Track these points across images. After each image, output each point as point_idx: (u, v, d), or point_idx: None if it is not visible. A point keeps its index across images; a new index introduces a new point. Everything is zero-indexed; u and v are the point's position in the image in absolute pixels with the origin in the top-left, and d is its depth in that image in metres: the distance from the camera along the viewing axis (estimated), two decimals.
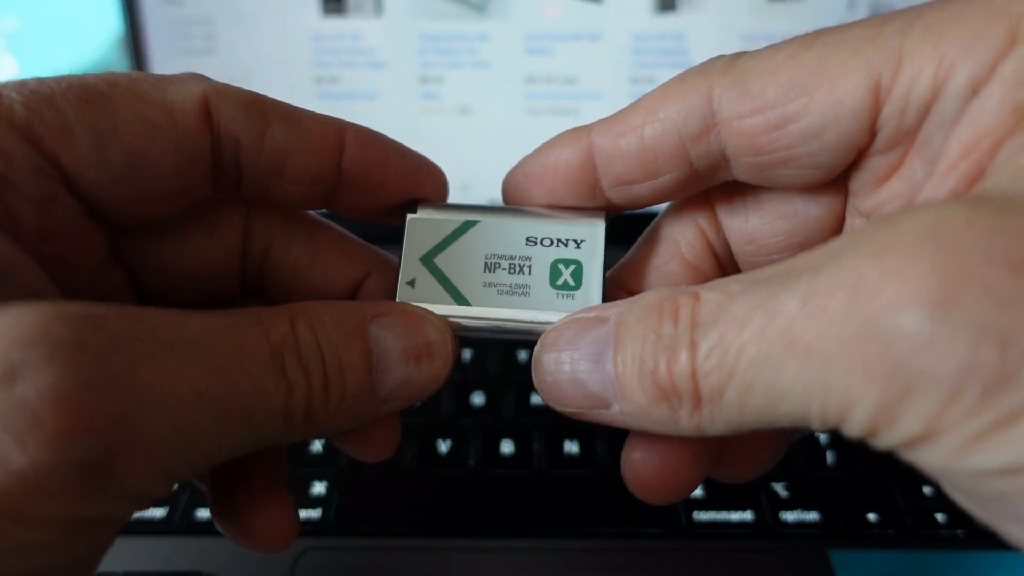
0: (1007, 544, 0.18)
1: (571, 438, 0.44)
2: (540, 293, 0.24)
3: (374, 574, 0.38)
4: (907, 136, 0.21)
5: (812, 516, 0.40)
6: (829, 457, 0.43)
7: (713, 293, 0.19)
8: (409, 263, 0.25)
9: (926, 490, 0.41)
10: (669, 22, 0.55)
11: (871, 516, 0.40)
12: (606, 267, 0.25)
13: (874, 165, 0.22)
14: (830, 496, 0.41)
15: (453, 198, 0.27)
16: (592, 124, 0.24)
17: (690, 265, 0.26)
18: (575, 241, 0.25)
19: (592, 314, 0.22)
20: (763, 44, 0.22)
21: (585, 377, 0.21)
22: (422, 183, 0.26)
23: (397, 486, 0.42)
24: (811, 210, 0.24)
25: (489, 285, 0.24)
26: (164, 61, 0.56)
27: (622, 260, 0.27)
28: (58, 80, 0.21)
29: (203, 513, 0.40)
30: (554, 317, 0.23)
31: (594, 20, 0.55)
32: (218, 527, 0.24)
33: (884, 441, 0.17)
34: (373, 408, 0.22)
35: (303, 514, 0.40)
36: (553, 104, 0.56)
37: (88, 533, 0.18)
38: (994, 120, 0.19)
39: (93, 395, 0.16)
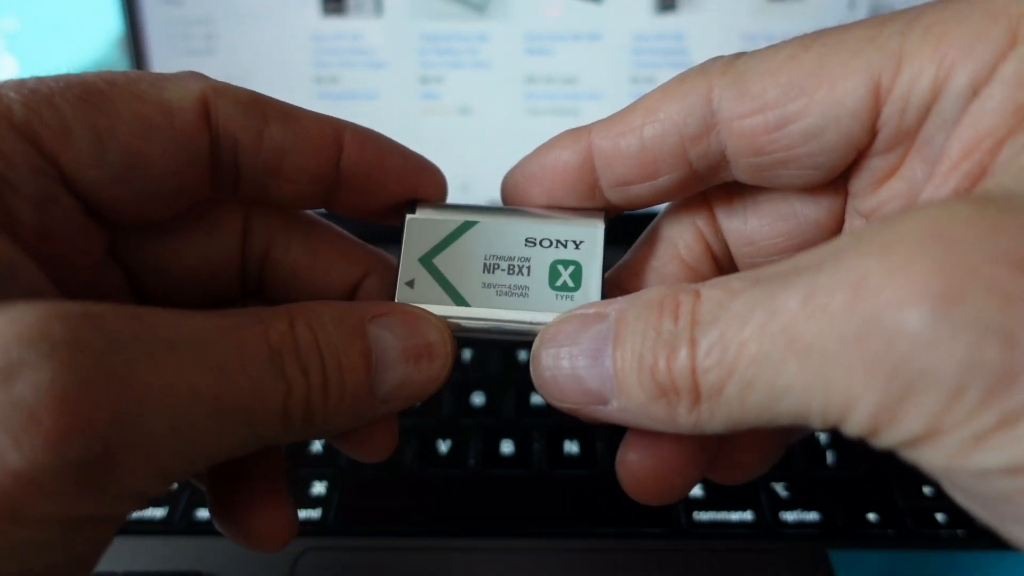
0: (1007, 544, 0.18)
1: (571, 438, 0.44)
2: (539, 294, 0.24)
3: (374, 574, 0.38)
4: (907, 136, 0.21)
5: (812, 516, 0.40)
6: (829, 457, 0.43)
7: (714, 290, 0.19)
8: (408, 263, 0.25)
9: (926, 490, 0.41)
10: (669, 22, 0.55)
11: (871, 516, 0.40)
12: (605, 268, 0.25)
13: (874, 165, 0.22)
14: (830, 496, 0.41)
15: (453, 198, 0.27)
16: (591, 124, 0.24)
17: (688, 267, 0.26)
18: (574, 242, 0.25)
19: (592, 310, 0.22)
20: (763, 44, 0.22)
21: (584, 373, 0.21)
22: (421, 183, 0.26)
23: (397, 486, 0.42)
24: (810, 211, 0.24)
25: (488, 286, 0.24)
26: (164, 61, 0.56)
27: (620, 261, 0.27)
28: (57, 79, 0.21)
29: (203, 513, 0.40)
30: (553, 318, 0.23)
31: (594, 20, 0.55)
32: (217, 526, 0.24)
33: (885, 440, 0.17)
34: (372, 408, 0.22)
35: (303, 514, 0.40)
36: (553, 104, 0.56)
37: (86, 532, 0.18)
38: (995, 120, 0.19)
39: (91, 394, 0.16)
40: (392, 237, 0.26)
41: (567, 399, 0.22)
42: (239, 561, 0.37)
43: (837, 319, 0.16)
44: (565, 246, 0.25)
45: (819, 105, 0.20)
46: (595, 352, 0.21)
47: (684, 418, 0.19)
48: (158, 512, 0.40)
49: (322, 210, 0.26)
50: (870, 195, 0.22)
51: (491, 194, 0.57)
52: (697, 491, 0.41)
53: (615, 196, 0.24)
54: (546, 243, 0.25)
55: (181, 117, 0.22)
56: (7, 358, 0.16)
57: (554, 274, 0.24)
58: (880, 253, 0.16)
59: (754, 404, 0.18)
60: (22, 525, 0.16)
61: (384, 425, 0.25)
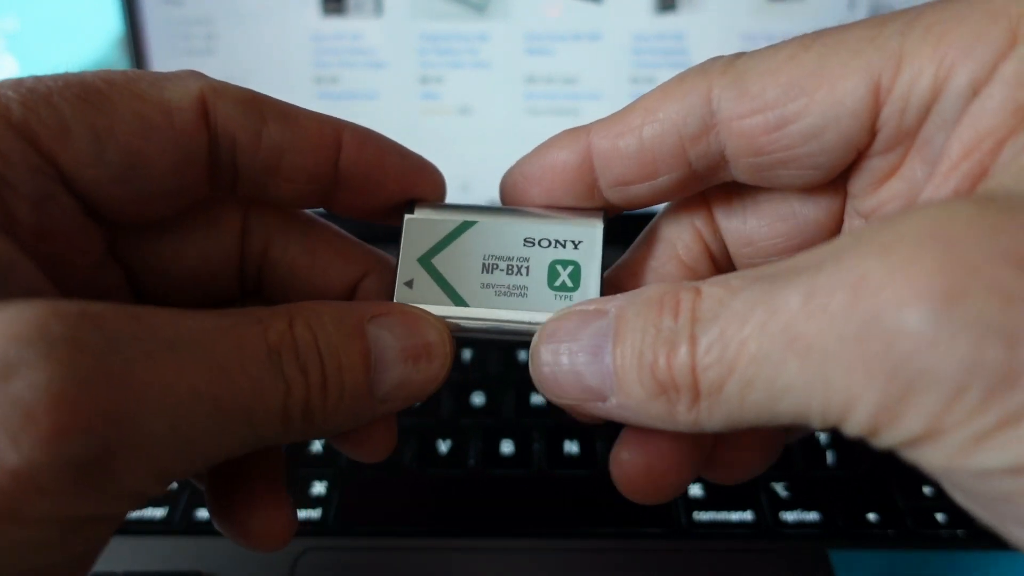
0: (1007, 544, 0.18)
1: (571, 438, 0.44)
2: (538, 294, 0.24)
3: (374, 574, 0.38)
4: (907, 136, 0.21)
5: (812, 516, 0.40)
6: (829, 457, 0.43)
7: (715, 288, 0.19)
8: (407, 264, 0.25)
9: (926, 490, 0.41)
10: (669, 22, 0.55)
11: (871, 516, 0.40)
12: (604, 268, 0.25)
13: (874, 166, 0.22)
14: (830, 496, 0.41)
15: (453, 198, 0.26)
16: (590, 124, 0.24)
17: (687, 267, 0.26)
18: (573, 242, 0.25)
19: (592, 307, 0.22)
20: (763, 44, 0.22)
21: (583, 369, 0.21)
22: (420, 183, 0.26)
23: (397, 486, 0.42)
24: (809, 212, 0.24)
25: (487, 286, 0.24)
26: (164, 61, 0.56)
27: (618, 261, 0.27)
28: (55, 78, 0.21)
29: (203, 513, 0.40)
30: None
31: (594, 20, 0.55)
32: (216, 526, 0.24)
33: (885, 441, 0.17)
34: (371, 408, 0.22)
35: (303, 514, 0.40)
36: (553, 104, 0.56)
37: (85, 532, 0.18)
38: (996, 120, 0.19)
39: (89, 393, 0.16)
40: (391, 237, 0.26)
41: (566, 395, 0.22)
42: (239, 561, 0.37)
43: (837, 319, 0.16)
44: (564, 246, 0.25)
45: (819, 105, 0.20)
46: (595, 348, 0.21)
47: (683, 416, 0.19)
48: (158, 512, 0.40)
49: (321, 210, 0.26)
50: (870, 195, 0.22)
51: (491, 194, 0.57)
52: (697, 491, 0.41)
53: (614, 196, 0.24)
54: (545, 243, 0.25)
55: (180, 116, 0.22)
56: (5, 357, 0.16)
57: (553, 274, 0.24)
58: (880, 253, 0.16)
59: (754, 403, 0.18)
60: (20, 525, 0.16)
61: (383, 425, 0.25)
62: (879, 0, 0.54)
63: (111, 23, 0.63)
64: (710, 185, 0.24)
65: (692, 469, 0.24)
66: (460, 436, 0.44)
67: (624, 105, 0.24)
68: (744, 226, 0.25)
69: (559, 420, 0.45)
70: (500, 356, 0.50)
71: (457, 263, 0.25)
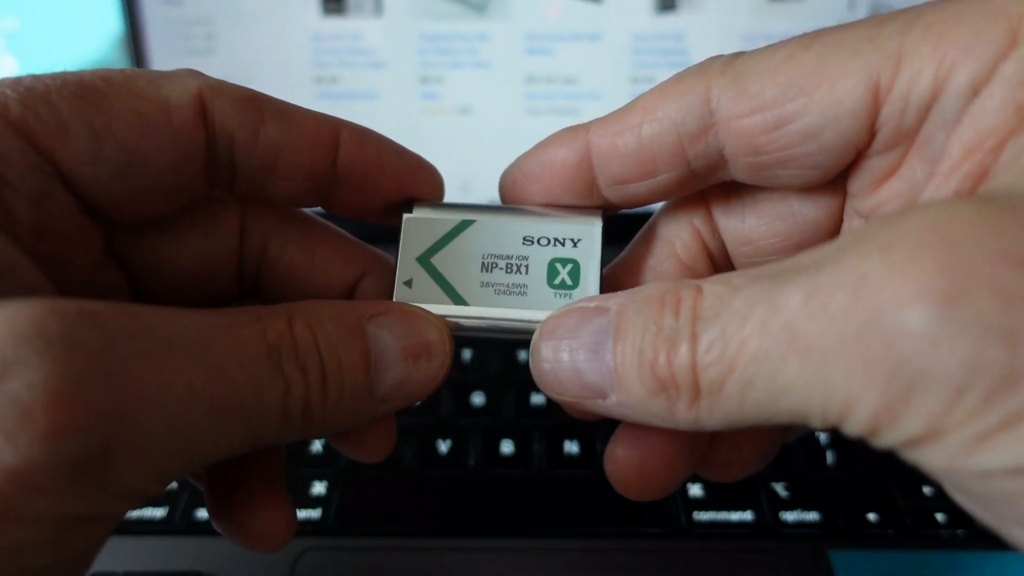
0: (1007, 544, 0.18)
1: (571, 438, 0.44)
2: (538, 292, 0.24)
3: (374, 574, 0.38)
4: (907, 136, 0.21)
5: (812, 516, 0.40)
6: (829, 457, 0.43)
7: (716, 286, 0.19)
8: (406, 263, 0.25)
9: (926, 490, 0.41)
10: (669, 22, 0.55)
11: (871, 516, 0.40)
12: (603, 266, 0.25)
13: (873, 165, 0.22)
14: (830, 496, 0.41)
15: (453, 198, 0.26)
16: (589, 123, 0.24)
17: (685, 265, 0.26)
18: (572, 240, 0.25)
19: (593, 304, 0.22)
20: (763, 44, 0.22)
21: (583, 367, 0.21)
22: (417, 182, 0.26)
23: (397, 486, 0.42)
24: (808, 211, 0.24)
25: (486, 285, 0.24)
26: (164, 61, 0.56)
27: (617, 259, 0.27)
28: (53, 77, 0.21)
29: (203, 513, 0.40)
30: None
31: (594, 20, 0.55)
32: (215, 526, 0.24)
33: (885, 441, 0.17)
34: (371, 407, 0.22)
35: (303, 514, 0.40)
36: (553, 104, 0.56)
37: (82, 531, 0.18)
38: (997, 120, 0.19)
39: (87, 392, 0.16)
40: (390, 237, 0.26)
41: (566, 392, 0.22)
42: (239, 561, 0.37)
43: (838, 318, 0.16)
44: (563, 244, 0.25)
45: (818, 105, 0.20)
46: (595, 346, 0.21)
47: (683, 414, 0.19)
48: (158, 512, 0.40)
49: (320, 210, 0.26)
50: (869, 195, 0.22)
51: (491, 194, 0.57)
52: (697, 491, 0.41)
53: (613, 194, 0.24)
54: (544, 241, 0.25)
55: (178, 114, 0.22)
56: (2, 356, 0.16)
57: (552, 272, 0.24)
58: (881, 252, 0.16)
59: (754, 402, 0.18)
60: (17, 524, 0.16)
61: (383, 425, 0.25)
62: (879, 0, 0.54)
63: (111, 23, 0.63)
64: (709, 184, 0.24)
65: (687, 466, 0.24)
66: (460, 436, 0.44)
67: (623, 105, 0.24)
68: (743, 225, 0.25)
69: (559, 420, 0.45)
70: (500, 356, 0.50)
71: (456, 262, 0.25)
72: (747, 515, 0.40)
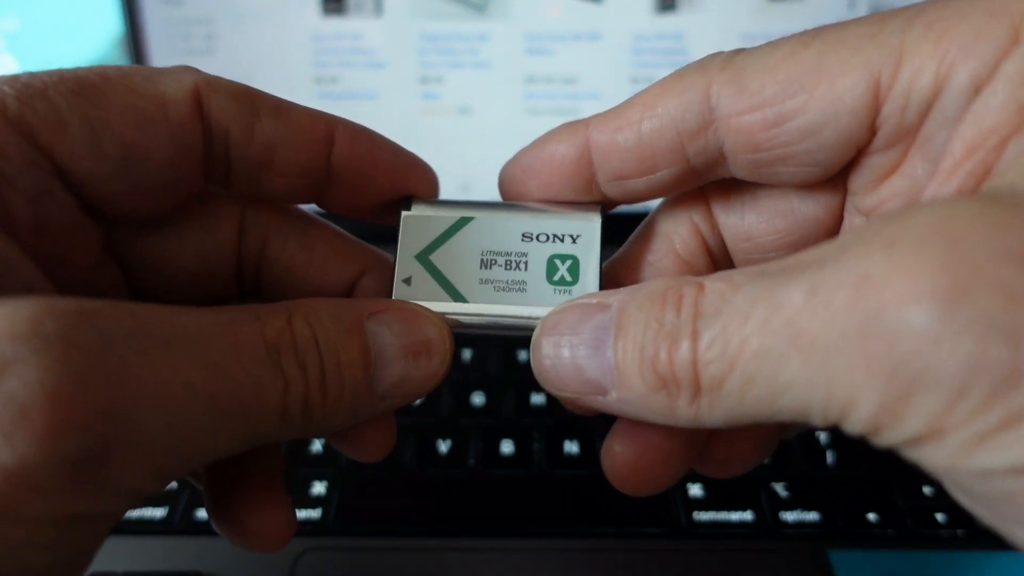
0: (1007, 544, 0.18)
1: (571, 438, 0.44)
2: (537, 289, 0.24)
3: (374, 574, 0.38)
4: (908, 134, 0.21)
5: (812, 516, 0.40)
6: (829, 457, 0.43)
7: (718, 283, 0.19)
8: (404, 261, 0.25)
9: (926, 490, 0.41)
10: (669, 22, 0.55)
11: (871, 516, 0.40)
12: (602, 262, 0.25)
13: (874, 163, 0.22)
14: (830, 496, 0.41)
15: (452, 197, 0.27)
16: (589, 118, 0.24)
17: (684, 261, 0.26)
18: (571, 236, 0.25)
19: (595, 300, 0.22)
20: None
21: (584, 363, 0.21)
22: (412, 180, 0.26)
23: (397, 486, 0.42)
24: (808, 208, 0.24)
25: (485, 281, 0.24)
26: (164, 61, 0.56)
27: (615, 255, 0.27)
28: (50, 74, 0.21)
29: (203, 513, 0.40)
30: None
31: (594, 20, 0.55)
32: (215, 526, 0.24)
33: (886, 439, 0.17)
34: (371, 405, 0.22)
35: (303, 514, 0.40)
36: (553, 104, 0.56)
37: (81, 530, 0.18)
38: (999, 118, 0.19)
39: (85, 390, 0.16)
40: (389, 237, 0.26)
41: (566, 388, 0.22)
42: (239, 561, 0.37)
43: (840, 316, 0.16)
44: (562, 240, 0.25)
45: (818, 102, 0.20)
46: (596, 342, 0.21)
47: (684, 411, 0.19)
48: (158, 512, 0.40)
49: (318, 209, 0.26)
50: (870, 193, 0.22)
51: (491, 194, 0.57)
52: (697, 491, 0.41)
53: (612, 190, 0.24)
54: (543, 238, 0.25)
55: (175, 109, 0.22)
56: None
57: (551, 268, 0.24)
58: (883, 250, 0.16)
59: (754, 399, 0.18)
60: (15, 524, 0.16)
61: (382, 424, 0.25)
62: (879, 0, 0.54)
63: (111, 23, 0.63)
64: (708, 181, 0.24)
65: (684, 462, 0.24)
66: (460, 436, 0.44)
67: (624, 101, 0.24)
68: (742, 222, 0.25)
69: (559, 419, 0.45)
70: (500, 356, 0.50)
71: (455, 259, 0.25)
72: (747, 515, 0.40)
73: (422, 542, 0.39)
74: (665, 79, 0.23)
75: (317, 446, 0.44)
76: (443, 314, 0.24)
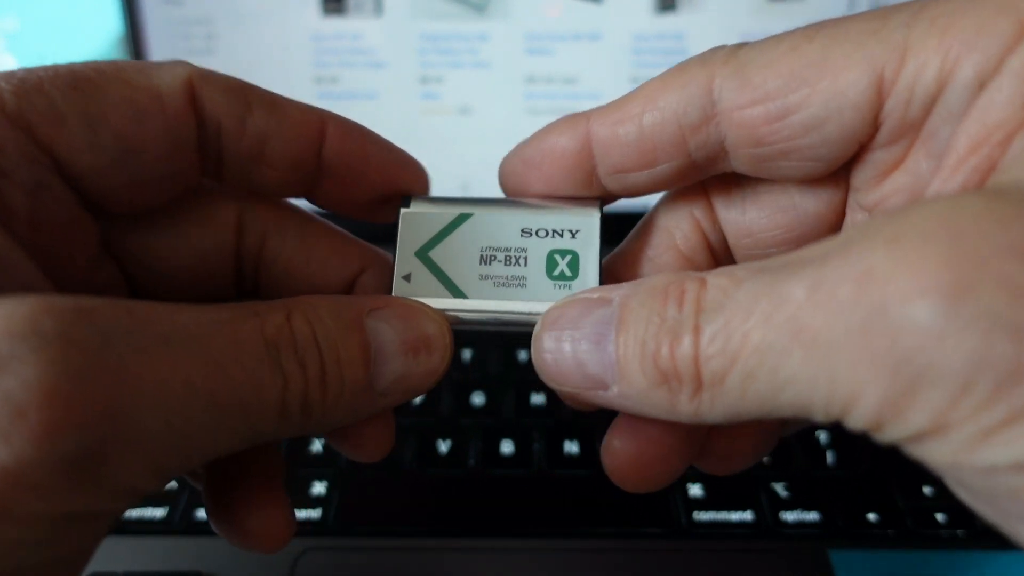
0: (1007, 544, 0.18)
1: (571, 438, 0.44)
2: (537, 284, 0.24)
3: (374, 574, 0.38)
4: (911, 129, 0.21)
5: (812, 516, 0.40)
6: (829, 457, 0.43)
7: (720, 279, 0.19)
8: (404, 257, 0.25)
9: (926, 490, 0.41)
10: (669, 22, 0.55)
11: (871, 516, 0.40)
12: (602, 257, 0.25)
13: (877, 159, 0.22)
14: (830, 496, 0.41)
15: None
16: (590, 111, 0.24)
17: (685, 257, 0.26)
18: (570, 231, 0.25)
19: (596, 295, 0.21)
20: None
21: (585, 358, 0.21)
22: (403, 178, 0.26)
23: (397, 486, 0.42)
24: (810, 204, 0.24)
25: (485, 277, 0.24)
26: None
27: (616, 250, 0.27)
28: (45, 69, 0.21)
29: (203, 513, 0.40)
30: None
31: (594, 20, 0.55)
32: (214, 527, 0.24)
33: (889, 435, 0.17)
34: (371, 402, 0.22)
35: (303, 514, 0.40)
36: (553, 104, 0.56)
37: (78, 529, 0.18)
38: (1004, 113, 0.19)
39: (82, 388, 0.16)
40: (388, 236, 0.26)
41: (567, 383, 0.22)
42: (239, 561, 0.37)
43: (843, 311, 0.16)
44: (561, 235, 0.25)
45: (821, 96, 0.20)
46: (598, 337, 0.21)
47: (685, 406, 0.19)
48: (158, 512, 0.40)
49: (317, 209, 0.26)
50: (873, 188, 0.22)
51: (491, 193, 0.57)
52: (697, 491, 0.41)
53: (612, 184, 0.24)
54: (542, 233, 0.25)
55: (170, 101, 0.22)
56: None
57: (551, 264, 0.24)
58: (888, 245, 0.16)
59: (756, 394, 0.18)
60: (12, 522, 0.16)
61: (381, 424, 0.25)
62: (879, 0, 0.54)
63: (111, 23, 0.63)
64: (709, 175, 0.24)
65: (684, 459, 0.24)
66: (460, 436, 0.44)
67: (625, 94, 0.24)
68: (743, 217, 0.25)
69: (559, 420, 0.45)
70: (500, 356, 0.50)
71: (455, 255, 0.25)
72: (747, 515, 0.40)
73: (422, 542, 0.39)
74: (667, 72, 0.23)
75: (317, 446, 0.44)
76: (443, 310, 0.24)
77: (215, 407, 0.18)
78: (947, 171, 0.20)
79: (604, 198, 0.25)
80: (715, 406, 0.19)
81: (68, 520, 0.17)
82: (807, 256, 0.17)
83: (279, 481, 0.25)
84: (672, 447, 0.23)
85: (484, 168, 0.57)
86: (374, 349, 0.22)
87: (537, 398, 0.47)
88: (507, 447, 0.44)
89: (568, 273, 0.24)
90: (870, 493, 0.41)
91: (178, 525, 0.40)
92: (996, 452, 0.15)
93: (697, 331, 0.18)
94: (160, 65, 0.23)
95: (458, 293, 0.24)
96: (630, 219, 0.27)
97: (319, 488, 0.41)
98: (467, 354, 0.50)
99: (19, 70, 0.21)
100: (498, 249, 0.25)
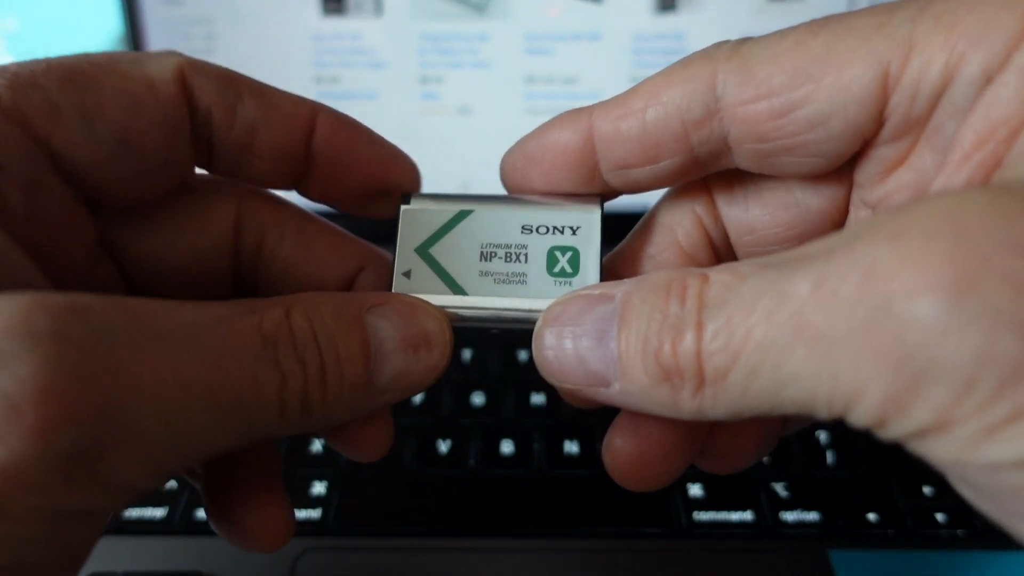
0: (1007, 544, 0.18)
1: (571, 438, 0.44)
2: (537, 281, 0.24)
3: (374, 574, 0.38)
4: (916, 125, 0.21)
5: (812, 516, 0.40)
6: (829, 457, 0.43)
7: (723, 275, 0.19)
8: (404, 254, 0.25)
9: (926, 490, 0.41)
10: (669, 22, 0.55)
11: (871, 516, 0.40)
12: (603, 254, 0.25)
13: (881, 155, 0.22)
14: (830, 496, 0.41)
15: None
16: (593, 106, 0.24)
17: (686, 254, 0.26)
18: (571, 228, 0.25)
19: (598, 291, 0.21)
20: None
21: (587, 354, 0.21)
22: (393, 172, 0.26)
23: (397, 486, 0.42)
24: (812, 201, 0.24)
25: (485, 274, 0.24)
26: None
27: (617, 248, 0.27)
28: (37, 62, 0.21)
29: (203, 513, 0.40)
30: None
31: (594, 20, 0.55)
32: (213, 526, 0.24)
33: (892, 432, 0.17)
34: (371, 399, 0.22)
35: (303, 514, 0.40)
36: (553, 104, 0.56)
37: (75, 526, 0.18)
38: (1010, 109, 0.18)
39: (77, 386, 0.16)
40: (387, 236, 0.26)
41: (568, 380, 0.21)
42: (239, 561, 0.37)
43: (846, 307, 0.16)
44: (562, 232, 0.25)
45: (825, 91, 0.20)
46: (599, 333, 0.20)
47: (687, 403, 0.19)
48: (158, 512, 0.40)
49: (315, 207, 0.26)
50: (877, 185, 0.22)
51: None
52: (697, 491, 0.41)
53: (615, 179, 0.24)
54: (543, 230, 0.25)
55: (164, 90, 0.22)
56: None
57: (552, 260, 0.24)
58: (892, 241, 0.16)
59: (758, 391, 0.18)
60: (8, 520, 0.16)
61: (380, 424, 0.25)
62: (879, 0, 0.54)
63: (111, 23, 0.63)
64: (712, 171, 0.24)
65: (686, 457, 0.24)
66: (460, 436, 0.44)
67: (628, 89, 0.23)
68: (746, 214, 0.25)
69: (559, 420, 0.45)
70: (500, 356, 0.50)
71: (455, 252, 0.25)
72: (747, 515, 0.40)
73: (422, 542, 0.39)
74: (670, 67, 0.23)
75: (317, 446, 0.44)
76: (443, 307, 0.24)
77: (212, 405, 0.18)
78: (952, 167, 0.20)
79: (605, 195, 0.25)
80: (717, 403, 0.19)
81: (64, 517, 0.17)
82: (810, 252, 0.17)
83: (278, 480, 0.25)
84: (674, 445, 0.23)
85: (484, 168, 0.57)
86: (374, 346, 0.22)
87: (537, 398, 0.46)
88: (507, 447, 0.44)
89: (569, 270, 0.24)
90: (870, 493, 0.41)
91: (178, 525, 0.40)
92: (999, 449, 0.15)
93: (700, 327, 0.18)
94: (152, 55, 0.23)
95: (458, 290, 0.24)
96: (630, 219, 0.27)
97: (319, 488, 0.41)
98: (467, 354, 0.50)
99: (11, 64, 0.21)
100: (498, 246, 0.25)
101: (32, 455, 0.15)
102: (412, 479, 0.42)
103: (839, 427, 0.18)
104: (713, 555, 0.38)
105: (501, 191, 0.26)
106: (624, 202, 0.27)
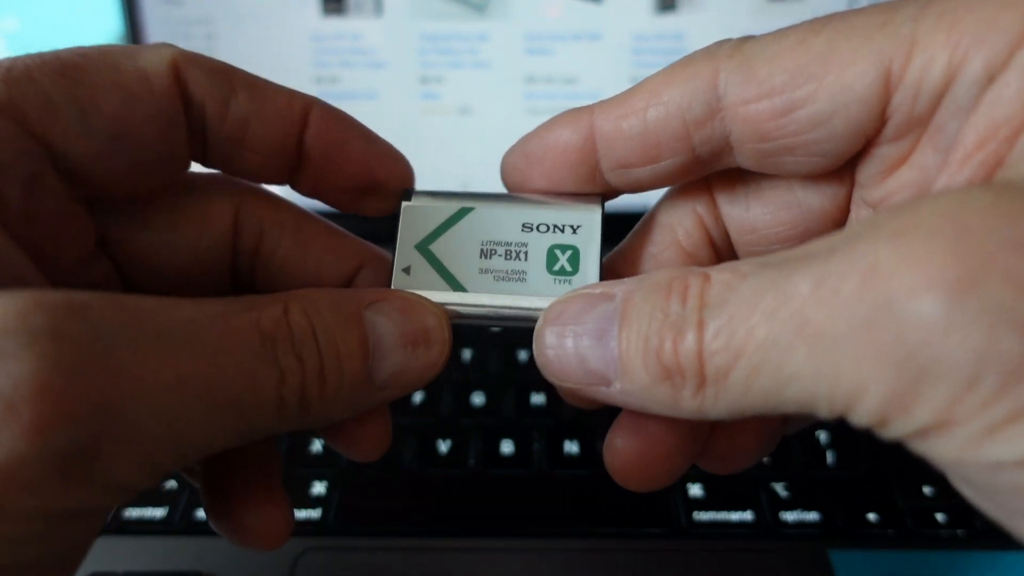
0: (1007, 544, 0.18)
1: (571, 438, 0.44)
2: (537, 279, 0.24)
3: (374, 574, 0.38)
4: (918, 124, 0.21)
5: (812, 516, 0.40)
6: (829, 457, 0.43)
7: (724, 274, 0.19)
8: (404, 250, 0.25)
9: (926, 490, 0.41)
10: (669, 22, 0.55)
11: (871, 516, 0.40)
12: (603, 253, 0.25)
13: (883, 154, 0.22)
14: (830, 496, 0.41)
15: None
16: (594, 105, 0.24)
17: (687, 253, 0.26)
18: (571, 226, 0.25)
19: (598, 290, 0.21)
20: None
21: (588, 353, 0.21)
22: (385, 169, 0.26)
23: (397, 486, 0.42)
24: (814, 200, 0.24)
25: (485, 271, 0.24)
26: None
27: (617, 247, 0.27)
28: (31, 57, 0.21)
29: (203, 513, 0.40)
30: (551, 303, 0.23)
31: (594, 20, 0.55)
32: (212, 524, 0.24)
33: (894, 431, 0.17)
34: (370, 396, 0.22)
35: (303, 514, 0.40)
36: (553, 104, 0.56)
37: (72, 524, 0.17)
38: (1012, 108, 0.18)
39: (74, 384, 0.16)
40: (386, 236, 0.26)
41: (569, 379, 0.21)
42: (239, 561, 0.37)
43: (847, 306, 0.16)
44: (562, 231, 0.25)
45: (828, 90, 0.20)
46: (600, 332, 0.20)
47: (688, 402, 0.19)
48: (158, 512, 0.40)
49: (315, 207, 0.26)
50: (878, 184, 0.22)
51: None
52: (697, 491, 0.41)
53: (616, 179, 0.24)
54: (543, 228, 0.25)
55: (158, 83, 0.22)
56: None
57: (552, 259, 0.24)
58: (893, 239, 0.16)
59: (759, 390, 0.18)
60: (4, 518, 0.16)
61: (379, 423, 0.24)
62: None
63: (111, 23, 0.63)
64: (713, 170, 0.24)
65: (687, 457, 0.24)
66: (460, 436, 0.44)
67: (629, 88, 0.23)
68: (747, 213, 0.25)
69: (559, 420, 0.45)
70: (500, 356, 0.50)
71: (455, 249, 0.25)
72: (747, 515, 0.40)
73: (422, 542, 0.39)
74: (672, 66, 0.23)
75: (317, 446, 0.44)
76: (442, 304, 0.24)
77: (210, 402, 0.18)
78: (954, 166, 0.20)
79: (606, 194, 0.25)
80: (718, 402, 0.19)
81: (62, 516, 0.17)
82: (812, 251, 0.17)
83: (277, 478, 0.25)
84: (675, 445, 0.23)
85: (484, 168, 0.57)
86: (373, 342, 0.22)
87: (537, 398, 0.46)
88: (507, 447, 0.44)
89: (568, 268, 0.24)
90: (870, 493, 0.41)
91: (178, 525, 0.40)
92: (1001, 448, 0.15)
93: (701, 326, 0.18)
94: (145, 48, 0.23)
95: (458, 287, 0.24)
96: (630, 218, 0.27)
97: (319, 488, 0.41)
98: (467, 354, 0.50)
99: (4, 59, 0.21)
100: (499, 243, 0.24)
101: (29, 454, 0.15)
102: (412, 479, 0.42)
103: (839, 427, 0.18)
104: (713, 555, 0.38)
105: (502, 190, 0.26)
106: (624, 202, 0.27)
